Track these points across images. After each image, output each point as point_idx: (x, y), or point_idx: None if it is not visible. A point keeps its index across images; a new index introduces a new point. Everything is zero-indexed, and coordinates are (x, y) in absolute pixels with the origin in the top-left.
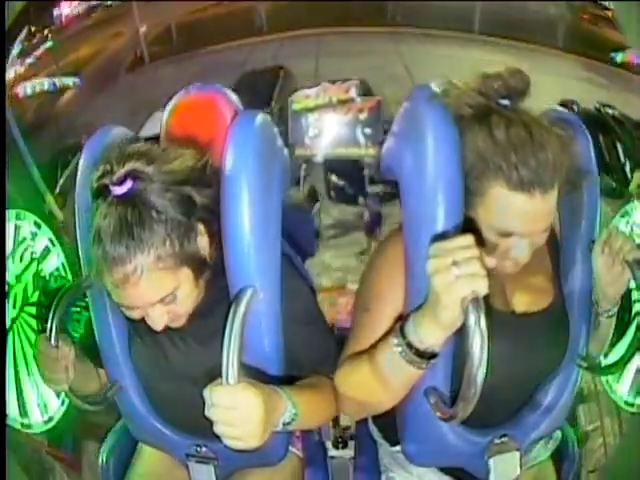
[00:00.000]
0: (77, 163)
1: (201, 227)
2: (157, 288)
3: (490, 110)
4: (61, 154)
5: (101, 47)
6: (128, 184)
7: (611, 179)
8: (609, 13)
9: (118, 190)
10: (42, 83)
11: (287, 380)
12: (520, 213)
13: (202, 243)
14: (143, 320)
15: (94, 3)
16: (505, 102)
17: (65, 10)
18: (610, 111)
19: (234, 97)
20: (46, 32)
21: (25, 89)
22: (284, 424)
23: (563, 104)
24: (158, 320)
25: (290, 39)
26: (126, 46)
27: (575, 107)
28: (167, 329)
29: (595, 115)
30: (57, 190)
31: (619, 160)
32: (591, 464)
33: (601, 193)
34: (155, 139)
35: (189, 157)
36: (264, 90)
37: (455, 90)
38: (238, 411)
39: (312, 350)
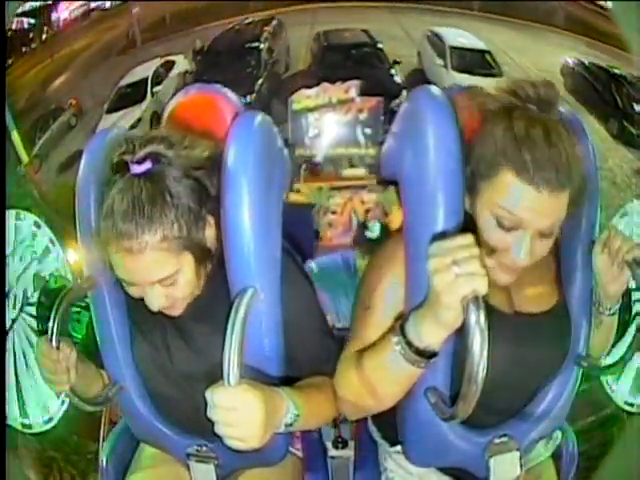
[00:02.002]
0: (56, 129)
1: (211, 219)
2: (158, 267)
3: (515, 106)
4: (41, 119)
5: (95, 39)
6: (147, 164)
7: (631, 126)
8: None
9: (137, 169)
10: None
11: (288, 380)
12: (525, 203)
13: (209, 234)
14: (145, 319)
15: (93, 5)
16: (533, 107)
17: (63, 14)
18: (618, 71)
19: (235, 97)
20: (44, 35)
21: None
22: (286, 425)
23: (571, 61)
24: (155, 301)
25: (284, 14)
26: (120, 34)
27: (585, 61)
28: (169, 327)
29: (605, 69)
30: (34, 152)
31: (635, 111)
32: None
33: (623, 143)
34: (133, 85)
35: (206, 147)
36: (250, 34)
37: (485, 91)
38: (239, 412)
39: (312, 350)
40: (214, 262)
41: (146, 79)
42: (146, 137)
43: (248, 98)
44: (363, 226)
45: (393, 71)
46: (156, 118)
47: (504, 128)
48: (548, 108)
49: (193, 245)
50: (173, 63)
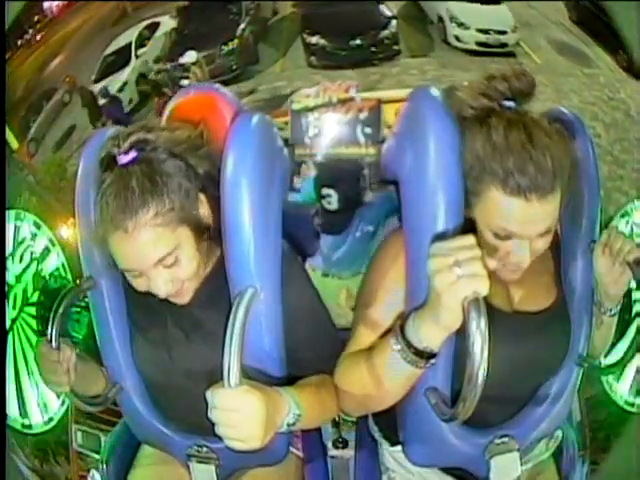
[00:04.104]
0: (50, 109)
1: (202, 196)
2: (155, 245)
3: (491, 111)
4: (35, 102)
5: (88, 17)
6: (133, 153)
7: (626, 55)
8: None
9: (124, 159)
10: None
11: (290, 380)
12: (516, 217)
13: (203, 212)
14: (145, 318)
15: None
16: (510, 104)
17: (55, 1)
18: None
19: (234, 97)
20: (38, 25)
21: None
22: (288, 425)
23: None
24: (161, 285)
25: None
26: (111, 6)
27: None
28: (170, 325)
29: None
30: (29, 136)
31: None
32: None
33: (634, 76)
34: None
35: (185, 129)
36: None
37: (458, 93)
38: (239, 414)
39: (316, 349)
40: (217, 253)
41: (130, 44)
42: (127, 131)
43: (230, 45)
44: None
45: (382, 6)
46: (142, 80)
47: (483, 139)
48: (525, 99)
49: (188, 218)
50: (158, 24)
